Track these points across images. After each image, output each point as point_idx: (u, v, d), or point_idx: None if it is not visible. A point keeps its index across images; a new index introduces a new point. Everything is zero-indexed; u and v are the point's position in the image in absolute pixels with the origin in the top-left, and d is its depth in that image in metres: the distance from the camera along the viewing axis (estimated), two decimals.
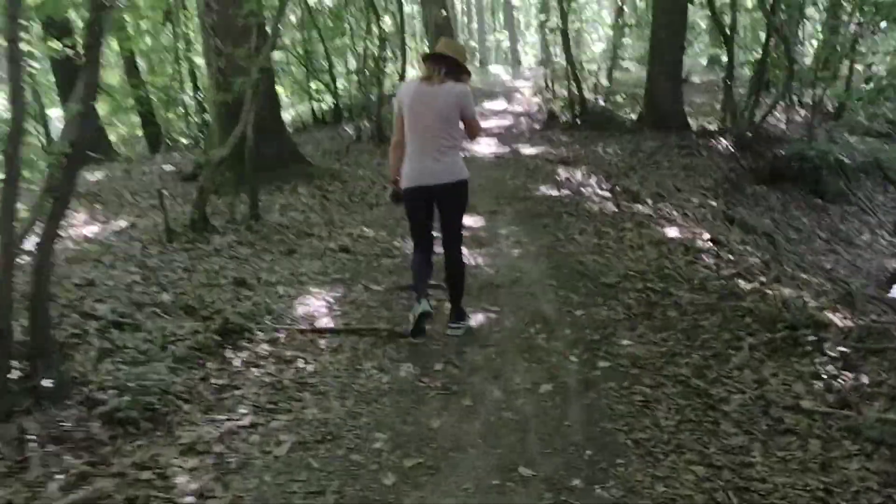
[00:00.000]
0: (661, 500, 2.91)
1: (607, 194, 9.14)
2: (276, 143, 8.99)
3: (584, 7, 26.48)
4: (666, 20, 12.94)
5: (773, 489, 2.97)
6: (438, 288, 5.12)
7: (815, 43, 15.78)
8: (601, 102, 14.21)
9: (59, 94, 13.06)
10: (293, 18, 16.26)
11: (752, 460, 3.19)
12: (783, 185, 12.18)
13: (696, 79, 20.86)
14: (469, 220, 7.63)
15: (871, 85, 12.80)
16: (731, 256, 6.88)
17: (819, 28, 14.47)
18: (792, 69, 11.81)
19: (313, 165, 9.55)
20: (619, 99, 14.26)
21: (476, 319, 4.98)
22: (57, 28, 10.13)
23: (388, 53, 18.78)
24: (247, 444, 3.30)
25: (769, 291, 5.77)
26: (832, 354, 4.27)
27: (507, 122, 15.87)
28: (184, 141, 14.90)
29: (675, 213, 8.61)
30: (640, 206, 8.58)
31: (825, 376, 4.02)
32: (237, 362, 4.21)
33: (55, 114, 14.96)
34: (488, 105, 18.66)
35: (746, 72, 16.27)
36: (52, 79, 13.81)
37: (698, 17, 22.67)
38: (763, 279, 6.14)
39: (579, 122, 13.86)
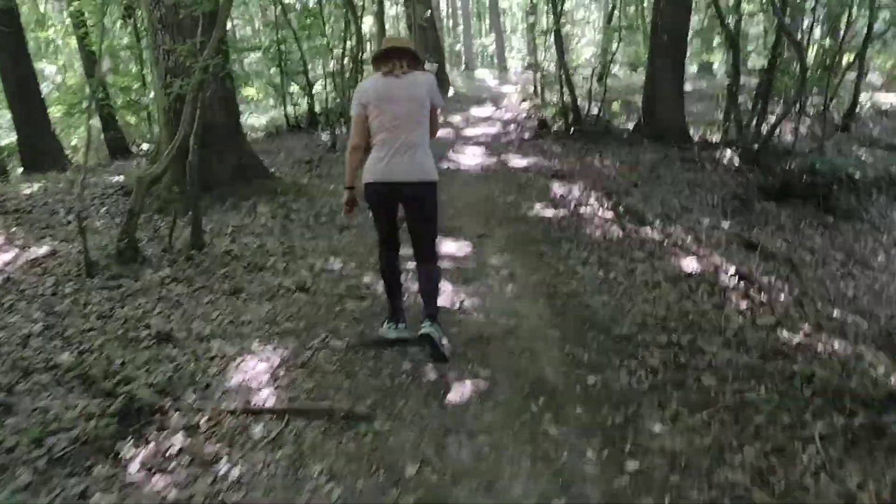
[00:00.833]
0: None
1: (610, 215, 8.02)
2: (234, 154, 7.81)
3: (574, 9, 25.48)
4: (668, 22, 11.87)
5: None
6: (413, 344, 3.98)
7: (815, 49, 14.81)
8: (595, 110, 13.11)
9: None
10: (266, 16, 15.14)
11: None
12: (793, 202, 11.14)
13: (687, 86, 19.87)
14: (454, 247, 6.51)
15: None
16: (762, 296, 5.77)
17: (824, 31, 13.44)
18: (805, 77, 10.76)
19: (278, 179, 8.36)
20: (614, 107, 13.21)
21: (461, 392, 3.83)
22: None
23: (369, 55, 17.70)
24: None
25: (819, 346, 4.68)
26: None
27: (494, 129, 14.73)
28: (145, 147, 13.66)
29: (687, 238, 7.51)
30: (647, 230, 7.47)
31: None
32: (134, 466, 3.04)
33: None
34: (475, 111, 17.54)
35: (747, 80, 15.27)
36: None
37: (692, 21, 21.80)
38: (807, 329, 5.04)
39: (573, 132, 12.76)
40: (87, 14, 12.58)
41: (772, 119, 12.34)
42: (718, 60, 24.95)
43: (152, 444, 3.20)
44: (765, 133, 11.75)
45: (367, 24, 20.07)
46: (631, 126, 13.70)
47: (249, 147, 8.28)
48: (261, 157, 11.24)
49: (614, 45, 14.80)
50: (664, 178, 10.35)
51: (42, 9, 16.53)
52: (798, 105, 11.39)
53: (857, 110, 14.72)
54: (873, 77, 20.68)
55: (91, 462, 3.04)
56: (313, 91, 13.92)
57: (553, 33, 12.78)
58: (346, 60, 12.01)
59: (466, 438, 3.37)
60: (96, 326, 4.41)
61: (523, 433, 3.45)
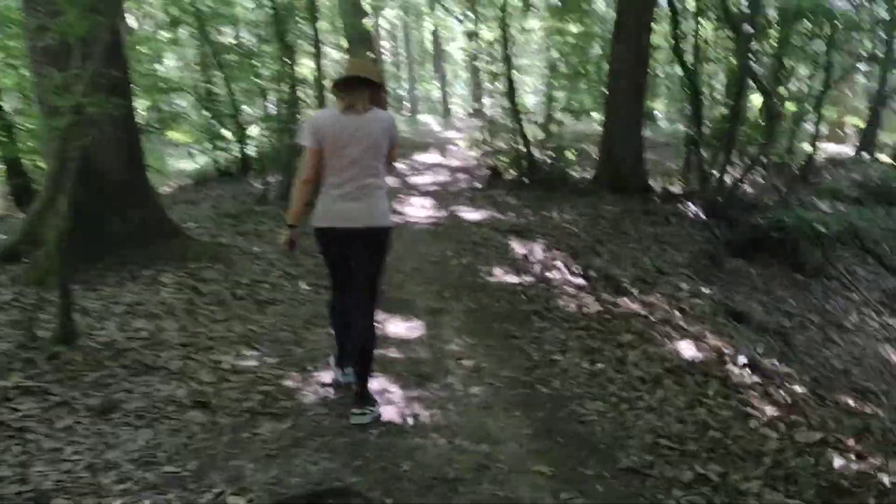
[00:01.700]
0: None
1: (581, 281, 6.84)
2: (137, 210, 6.37)
3: (518, 56, 24.71)
4: (625, 67, 10.93)
5: None
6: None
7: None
8: (549, 159, 12.04)
9: None
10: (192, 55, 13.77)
11: None
12: (760, 258, 10.22)
13: None
14: (403, 328, 5.21)
15: None
16: (781, 393, 4.60)
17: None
18: (773, 126, 9.91)
19: (192, 240, 6.92)
20: (568, 155, 12.22)
21: None
22: None
23: (305, 98, 16.46)
24: None
25: (884, 479, 3.50)
26: None
27: (442, 177, 13.54)
28: None
29: (671, 308, 6.36)
30: (626, 301, 6.30)
31: None
32: None
33: None
34: (421, 157, 16.36)
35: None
36: None
37: None
38: (856, 445, 3.87)
39: (527, 182, 11.65)
40: None
41: (734, 170, 11.50)
42: (660, 108, 24.47)
43: None
44: (730, 185, 10.85)
45: (308, 66, 18.87)
46: (586, 175, 12.69)
47: (157, 201, 6.84)
48: (183, 210, 9.81)
49: (558, 94, 13.86)
50: (629, 234, 9.27)
51: None
52: (765, 155, 10.53)
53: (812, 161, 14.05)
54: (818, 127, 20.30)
55: None
56: (246, 136, 12.50)
57: (504, 78, 11.71)
58: (280, 105, 10.68)
59: None
60: None
61: None
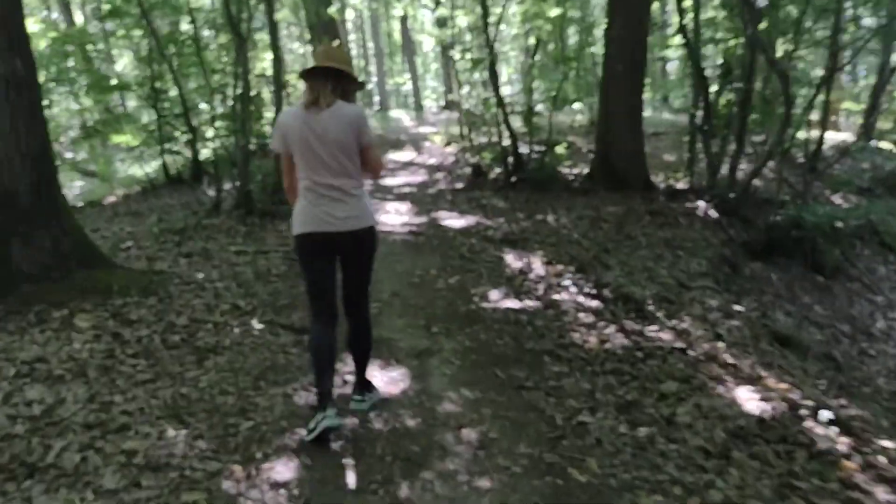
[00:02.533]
0: None
1: (595, 304, 5.75)
2: (48, 235, 5.15)
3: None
4: (622, 47, 9.87)
5: None
6: None
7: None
8: (535, 154, 10.96)
9: None
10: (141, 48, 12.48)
11: None
12: (778, 260, 9.25)
13: None
14: (381, 379, 4.09)
15: None
16: (879, 460, 3.55)
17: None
18: (790, 113, 8.91)
19: (120, 269, 5.70)
20: (558, 150, 11.16)
21: None
22: None
23: (266, 95, 15.25)
24: None
25: None
26: None
27: (419, 178, 12.40)
28: None
29: (707, 334, 5.30)
30: (655, 329, 5.23)
31: None
32: None
33: None
34: (394, 156, 15.21)
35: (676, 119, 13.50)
36: None
37: None
38: None
39: (514, 181, 10.56)
40: None
41: (743, 162, 10.53)
42: (649, 96, 23.48)
43: None
44: (744, 179, 9.86)
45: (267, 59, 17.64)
46: (578, 171, 11.64)
47: (74, 223, 5.61)
48: (124, 224, 8.59)
49: (536, 83, 12.77)
50: (637, 239, 8.21)
51: None
52: (782, 146, 9.53)
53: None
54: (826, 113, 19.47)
55: None
56: (198, 137, 11.27)
57: (488, 65, 10.59)
58: (236, 102, 9.47)
59: None
60: None
61: None
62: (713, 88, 10.39)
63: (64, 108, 14.27)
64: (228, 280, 5.86)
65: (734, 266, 8.46)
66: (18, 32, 5.12)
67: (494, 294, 5.85)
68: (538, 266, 6.80)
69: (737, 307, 6.46)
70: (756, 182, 10.96)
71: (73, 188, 15.27)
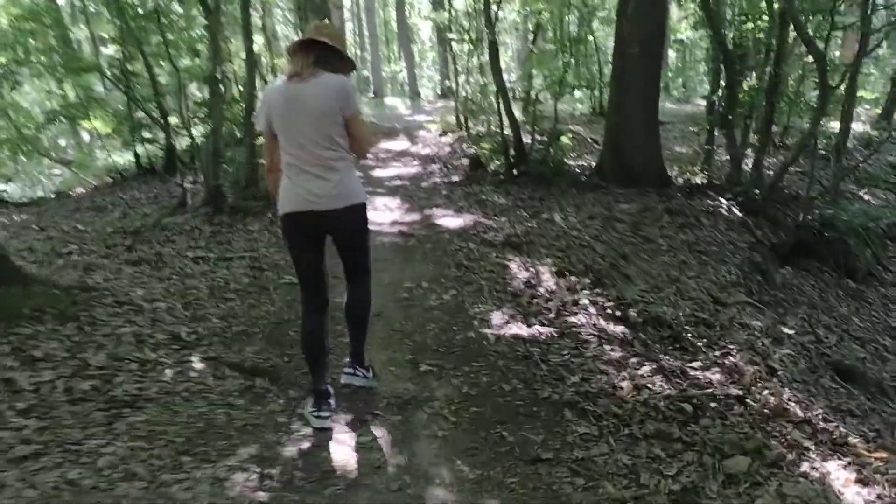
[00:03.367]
0: None
1: (620, 329, 4.63)
2: None
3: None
4: (638, 30, 8.72)
5: None
6: None
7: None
8: (538, 145, 9.79)
9: None
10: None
11: None
12: (807, 264, 8.15)
13: None
14: (350, 444, 2.98)
15: None
16: None
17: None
18: (825, 101, 7.79)
19: (37, 286, 4.53)
20: (563, 141, 10.03)
21: None
22: None
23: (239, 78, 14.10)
24: None
25: None
26: None
27: (412, 169, 11.26)
28: None
29: (760, 370, 4.20)
30: (699, 366, 4.12)
31: None
32: None
33: None
34: (387, 145, 14.03)
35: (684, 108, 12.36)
36: None
37: None
38: None
39: (516, 174, 9.42)
40: None
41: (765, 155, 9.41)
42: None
43: None
44: (771, 176, 8.74)
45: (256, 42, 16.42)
46: (583, 163, 10.52)
47: None
48: (79, 222, 7.45)
49: (535, 70, 11.61)
50: (657, 243, 7.11)
51: None
52: (814, 138, 8.40)
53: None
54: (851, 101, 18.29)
55: None
56: (170, 124, 10.08)
57: (488, 45, 9.41)
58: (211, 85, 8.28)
59: None
60: None
61: None
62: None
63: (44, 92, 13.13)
64: (175, 298, 4.73)
65: (764, 273, 7.36)
66: None
67: (498, 316, 4.74)
68: (548, 277, 5.68)
69: (784, 329, 5.36)
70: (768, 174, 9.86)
71: (52, 177, 14.15)
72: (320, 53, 3.05)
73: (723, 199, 8.61)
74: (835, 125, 11.25)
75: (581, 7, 16.04)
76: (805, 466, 3.01)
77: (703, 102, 20.06)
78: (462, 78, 14.67)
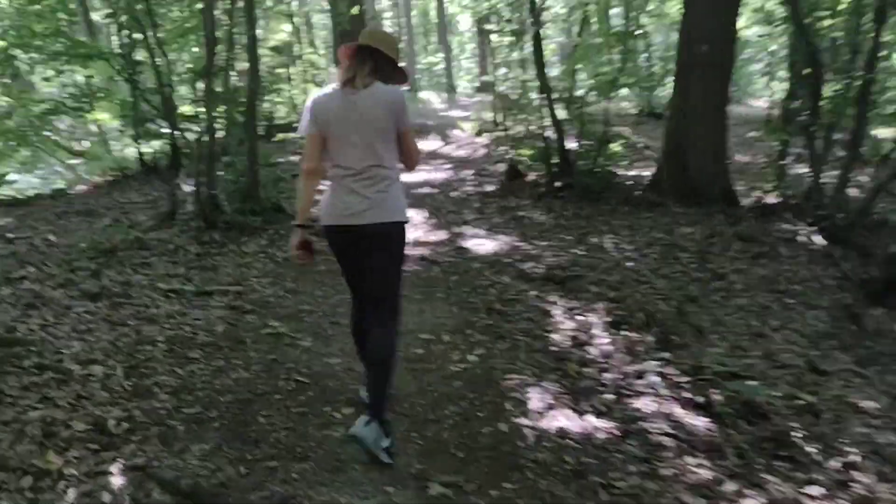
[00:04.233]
0: None
1: (703, 423, 3.43)
2: None
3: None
4: (708, 27, 7.45)
5: None
6: None
7: None
8: (584, 152, 8.56)
9: None
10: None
11: None
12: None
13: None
14: None
15: None
16: None
17: None
18: None
19: None
20: (613, 149, 8.79)
21: None
22: None
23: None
24: None
25: None
26: None
27: (442, 174, 10.13)
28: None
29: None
30: (816, 493, 2.92)
31: None
32: None
33: None
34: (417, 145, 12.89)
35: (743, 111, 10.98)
36: None
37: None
38: None
39: (560, 186, 8.22)
40: None
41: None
42: None
43: None
44: (860, 198, 7.42)
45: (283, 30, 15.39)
46: (634, 174, 9.27)
47: None
48: (48, 234, 6.44)
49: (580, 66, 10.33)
50: (730, 279, 5.88)
51: None
52: None
53: None
54: None
55: None
56: (177, 117, 9.05)
57: (532, 38, 8.20)
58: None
59: None
60: None
61: None
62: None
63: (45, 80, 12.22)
64: (120, 358, 3.65)
65: (856, 318, 6.07)
66: None
67: (538, 396, 3.56)
68: (600, 330, 4.49)
69: None
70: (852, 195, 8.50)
71: (73, 168, 13.26)
72: (377, 63, 2.92)
73: (801, 224, 7.31)
74: None
75: None
76: None
77: (759, 104, 18.61)
78: (501, 72, 13.47)
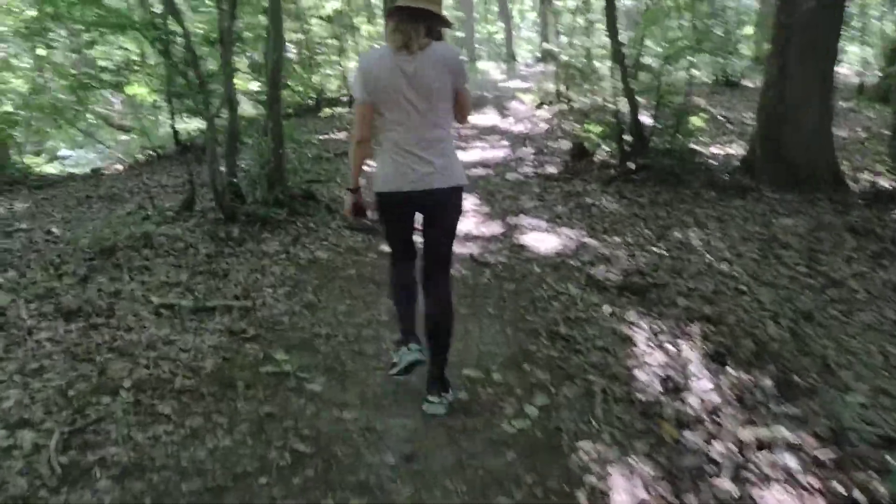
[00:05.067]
0: None
1: None
2: None
3: None
4: None
5: None
6: None
7: None
8: (657, 126, 7.32)
9: None
10: None
11: None
12: None
13: (749, 83, 14.19)
14: None
15: None
16: None
17: None
18: None
19: None
20: (695, 122, 7.52)
21: None
22: None
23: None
24: None
25: None
26: None
27: (499, 152, 9.02)
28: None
29: None
30: None
31: None
32: None
33: None
34: (472, 119, 11.80)
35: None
36: None
37: None
38: None
39: (634, 167, 7.03)
40: None
41: None
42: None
43: None
44: None
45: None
46: (719, 152, 8.00)
47: None
48: (55, 224, 5.65)
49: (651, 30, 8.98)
50: (848, 286, 4.67)
51: None
52: None
53: None
54: None
55: None
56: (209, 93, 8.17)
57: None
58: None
59: None
60: None
61: None
62: None
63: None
64: (63, 416, 2.72)
65: None
66: None
67: (624, 486, 2.49)
68: (698, 368, 3.39)
69: None
70: None
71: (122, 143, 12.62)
72: (429, 22, 2.74)
73: None
74: None
75: None
76: None
77: (842, 71, 16.75)
78: (564, 40, 12.21)
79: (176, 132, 8.91)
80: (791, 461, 2.66)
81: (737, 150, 8.25)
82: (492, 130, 10.73)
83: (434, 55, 2.74)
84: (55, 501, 2.22)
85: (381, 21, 17.84)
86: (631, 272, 4.67)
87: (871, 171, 7.15)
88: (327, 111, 11.55)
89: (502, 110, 12.41)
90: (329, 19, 14.08)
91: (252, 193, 5.60)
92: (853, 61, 16.63)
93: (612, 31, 6.97)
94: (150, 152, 9.00)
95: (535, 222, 5.87)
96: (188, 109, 8.96)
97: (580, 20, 11.71)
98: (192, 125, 8.98)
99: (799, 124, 6.43)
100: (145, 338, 3.42)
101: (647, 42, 9.21)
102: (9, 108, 9.88)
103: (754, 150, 6.88)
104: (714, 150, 8.07)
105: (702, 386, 3.24)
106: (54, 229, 5.44)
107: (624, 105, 7.30)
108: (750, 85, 14.03)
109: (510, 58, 24.35)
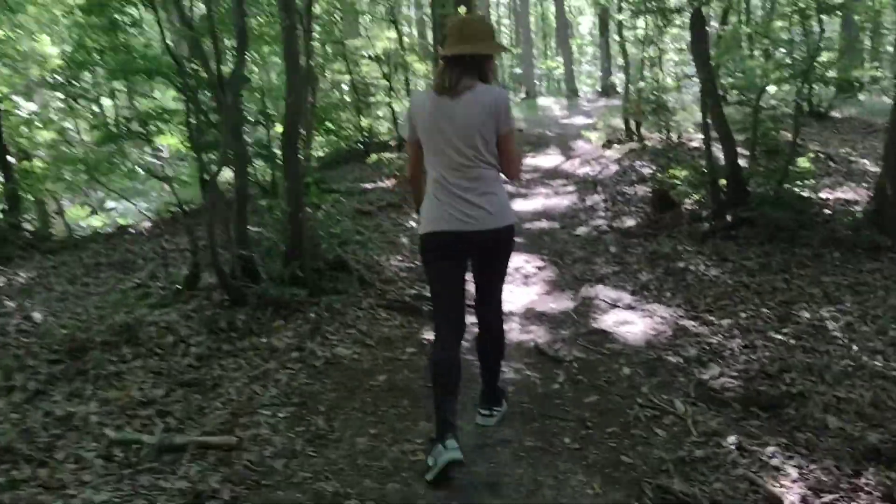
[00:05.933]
0: None
1: None
2: None
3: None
4: None
5: None
6: None
7: None
8: (756, 169, 6.06)
9: None
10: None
11: None
12: None
13: (836, 113, 12.70)
14: None
15: None
16: None
17: None
18: None
19: None
20: (803, 164, 6.24)
21: None
22: None
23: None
24: None
25: None
26: None
27: (564, 200, 7.91)
28: None
29: None
30: None
31: None
32: None
33: None
34: (533, 160, 10.72)
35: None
36: None
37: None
38: None
39: (732, 220, 5.80)
40: None
41: None
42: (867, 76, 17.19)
43: None
44: None
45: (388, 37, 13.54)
46: (828, 197, 6.70)
47: None
48: (54, 300, 4.77)
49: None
50: None
51: None
52: None
53: None
54: None
55: None
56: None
57: (691, 18, 5.82)
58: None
59: None
60: None
61: None
62: None
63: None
64: None
65: None
66: None
67: None
68: None
69: None
70: None
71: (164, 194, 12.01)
72: (474, 64, 2.73)
73: None
74: None
75: None
76: None
77: None
78: (632, 72, 11.09)
79: (204, 183, 8.10)
80: None
81: (850, 195, 6.94)
82: (555, 173, 9.63)
83: (476, 97, 2.69)
84: None
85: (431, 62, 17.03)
86: (753, 374, 3.47)
87: None
88: (373, 157, 10.65)
89: (566, 150, 11.30)
90: (378, 59, 13.30)
91: (266, 269, 4.61)
92: None
93: (703, 57, 5.81)
94: (176, 208, 8.21)
95: (616, 294, 4.72)
96: (217, 161, 8.19)
97: (650, 51, 10.60)
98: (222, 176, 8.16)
99: None
100: None
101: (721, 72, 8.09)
102: (38, 164, 9.30)
103: (882, 198, 5.57)
104: (824, 195, 6.77)
105: None
106: (36, 314, 4.55)
107: (713, 144, 6.11)
108: (837, 115, 12.63)
109: (572, 93, 23.26)
